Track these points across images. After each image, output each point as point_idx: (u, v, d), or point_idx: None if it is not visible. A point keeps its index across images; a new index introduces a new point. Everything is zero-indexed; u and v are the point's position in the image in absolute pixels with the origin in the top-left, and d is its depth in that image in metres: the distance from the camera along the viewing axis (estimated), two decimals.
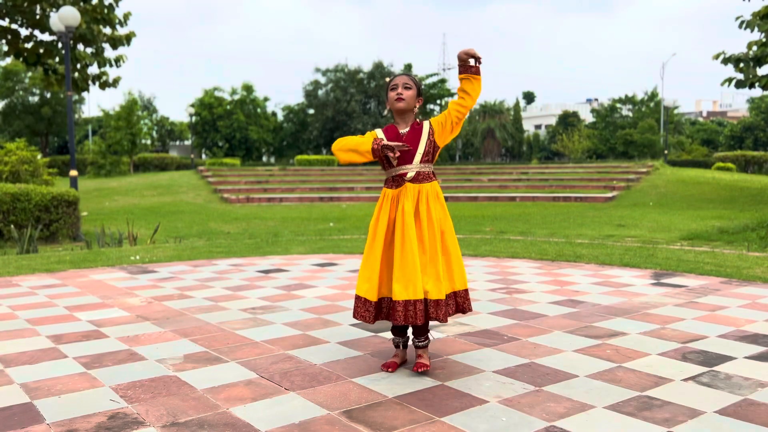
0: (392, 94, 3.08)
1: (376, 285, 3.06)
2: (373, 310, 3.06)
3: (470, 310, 3.17)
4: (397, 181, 3.08)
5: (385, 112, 3.20)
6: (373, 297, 3.06)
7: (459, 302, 3.12)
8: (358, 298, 3.10)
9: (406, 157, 3.05)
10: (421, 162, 3.06)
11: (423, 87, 36.60)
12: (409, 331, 3.26)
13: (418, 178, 3.06)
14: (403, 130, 3.10)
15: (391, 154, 3.01)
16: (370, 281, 3.06)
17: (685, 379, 2.98)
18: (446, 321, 3.04)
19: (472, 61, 3.02)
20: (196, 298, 4.91)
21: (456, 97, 3.13)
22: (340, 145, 3.12)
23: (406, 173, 3.06)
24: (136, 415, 2.60)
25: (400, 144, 2.99)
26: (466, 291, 3.14)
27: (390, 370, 3.12)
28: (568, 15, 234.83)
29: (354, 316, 3.13)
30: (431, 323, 3.80)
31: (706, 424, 2.48)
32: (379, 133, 3.11)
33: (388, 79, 3.16)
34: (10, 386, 2.96)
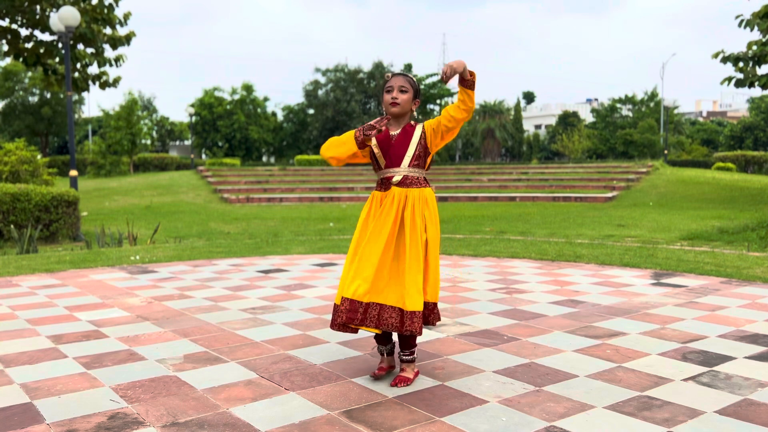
0: (387, 97, 2.97)
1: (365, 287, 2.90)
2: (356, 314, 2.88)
3: (438, 320, 3.02)
4: (384, 184, 2.98)
5: (384, 112, 3.12)
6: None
7: (426, 314, 2.96)
8: (337, 305, 2.92)
9: (395, 160, 2.96)
10: (410, 166, 2.95)
11: (422, 87, 35.83)
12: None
13: (406, 183, 2.94)
14: (395, 132, 3.00)
15: (377, 151, 2.96)
16: (359, 282, 2.90)
17: (685, 379, 2.98)
18: (421, 333, 2.87)
19: (467, 74, 2.85)
20: (196, 298, 4.91)
21: (455, 100, 3.08)
22: (327, 145, 3.01)
23: (393, 176, 2.96)
24: (136, 415, 2.60)
25: (378, 119, 2.89)
26: (435, 304, 3.00)
27: (381, 373, 3.03)
28: (568, 15, 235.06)
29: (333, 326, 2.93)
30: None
31: (706, 424, 2.48)
32: None
33: (388, 75, 3.03)
34: (10, 386, 2.96)
